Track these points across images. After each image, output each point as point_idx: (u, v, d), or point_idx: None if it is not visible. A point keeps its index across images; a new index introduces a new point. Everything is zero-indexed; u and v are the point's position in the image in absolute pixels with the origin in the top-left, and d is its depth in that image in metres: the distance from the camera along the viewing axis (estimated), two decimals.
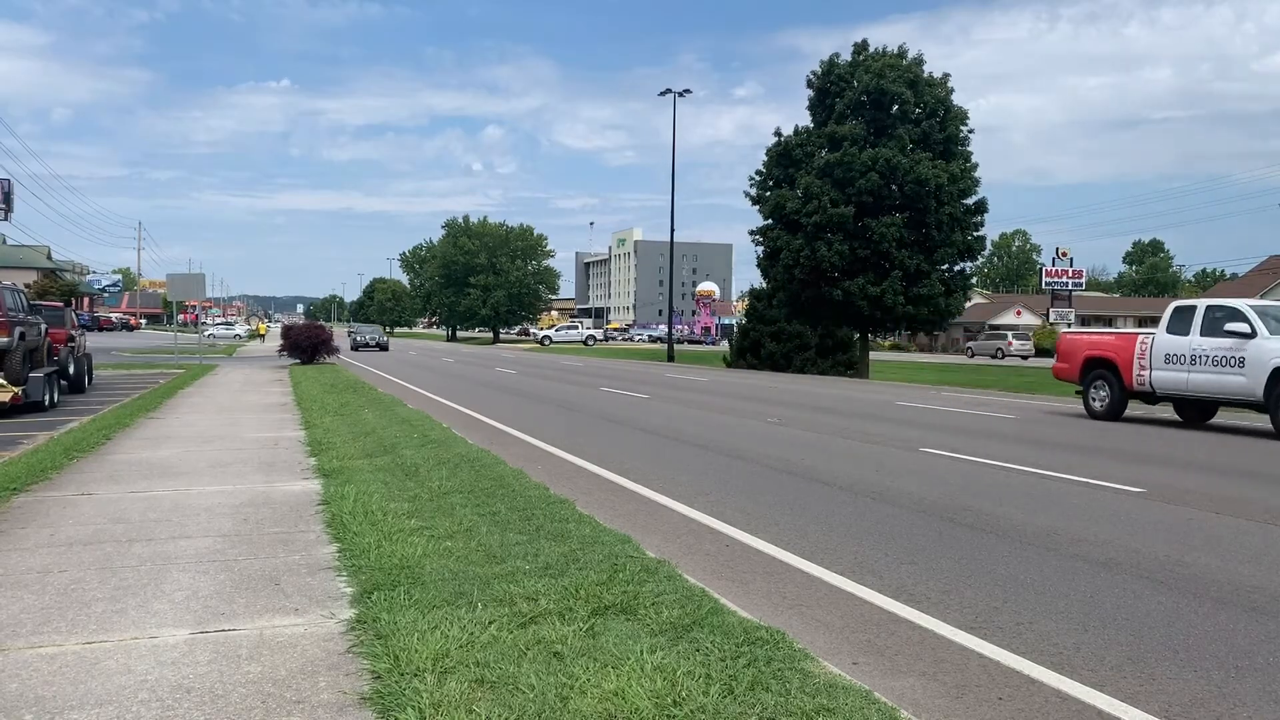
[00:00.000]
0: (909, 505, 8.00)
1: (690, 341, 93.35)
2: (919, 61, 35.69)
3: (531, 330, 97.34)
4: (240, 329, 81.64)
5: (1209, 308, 15.70)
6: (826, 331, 38.38)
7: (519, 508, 6.90)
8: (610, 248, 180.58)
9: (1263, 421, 15.33)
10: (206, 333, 65.54)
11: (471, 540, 5.87)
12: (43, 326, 16.91)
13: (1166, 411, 17.91)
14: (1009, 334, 69.17)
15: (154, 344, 50.45)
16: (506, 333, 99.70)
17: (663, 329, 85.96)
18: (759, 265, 38.63)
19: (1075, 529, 7.10)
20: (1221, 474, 10.18)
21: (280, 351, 33.73)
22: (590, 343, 79.17)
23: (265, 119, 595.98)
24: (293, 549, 5.84)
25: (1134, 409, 17.95)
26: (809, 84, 37.21)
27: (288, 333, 33.92)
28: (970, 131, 35.64)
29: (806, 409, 17.97)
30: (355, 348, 53.06)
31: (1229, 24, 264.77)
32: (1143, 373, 16.07)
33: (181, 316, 75.73)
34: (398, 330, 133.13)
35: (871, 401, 20.73)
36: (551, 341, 78.24)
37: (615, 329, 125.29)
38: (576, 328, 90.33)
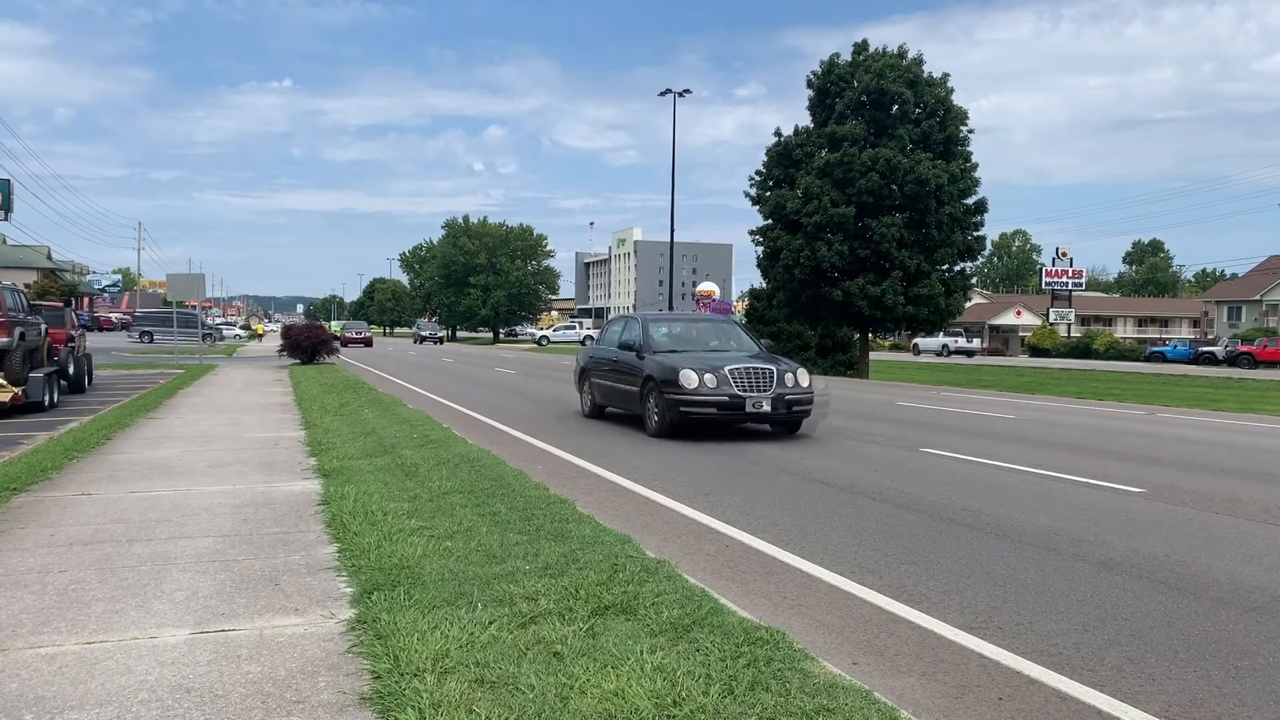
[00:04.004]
0: (909, 505, 8.00)
1: None
2: (919, 61, 35.68)
3: (531, 330, 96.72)
4: (240, 329, 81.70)
5: None
6: (826, 331, 38.39)
7: (519, 508, 6.90)
8: (610, 248, 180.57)
9: (1262, 419, 15.29)
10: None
11: (471, 540, 5.87)
12: (43, 326, 16.90)
13: (1167, 411, 17.87)
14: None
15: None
16: (514, 332, 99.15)
17: None
18: (759, 265, 38.61)
19: (1075, 529, 7.10)
20: (1221, 474, 10.18)
21: (280, 351, 33.71)
22: (588, 343, 79.11)
23: (267, 119, 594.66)
24: (293, 549, 5.84)
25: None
26: (809, 84, 37.20)
27: (288, 333, 33.90)
28: (970, 131, 35.63)
29: None
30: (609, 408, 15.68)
31: (1231, 24, 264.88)
32: None
33: None
34: (398, 330, 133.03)
35: (871, 401, 20.73)
36: (549, 341, 78.20)
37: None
38: (575, 328, 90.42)
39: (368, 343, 62.96)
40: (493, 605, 4.54)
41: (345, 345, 55.83)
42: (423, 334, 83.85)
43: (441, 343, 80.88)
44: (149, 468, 9.03)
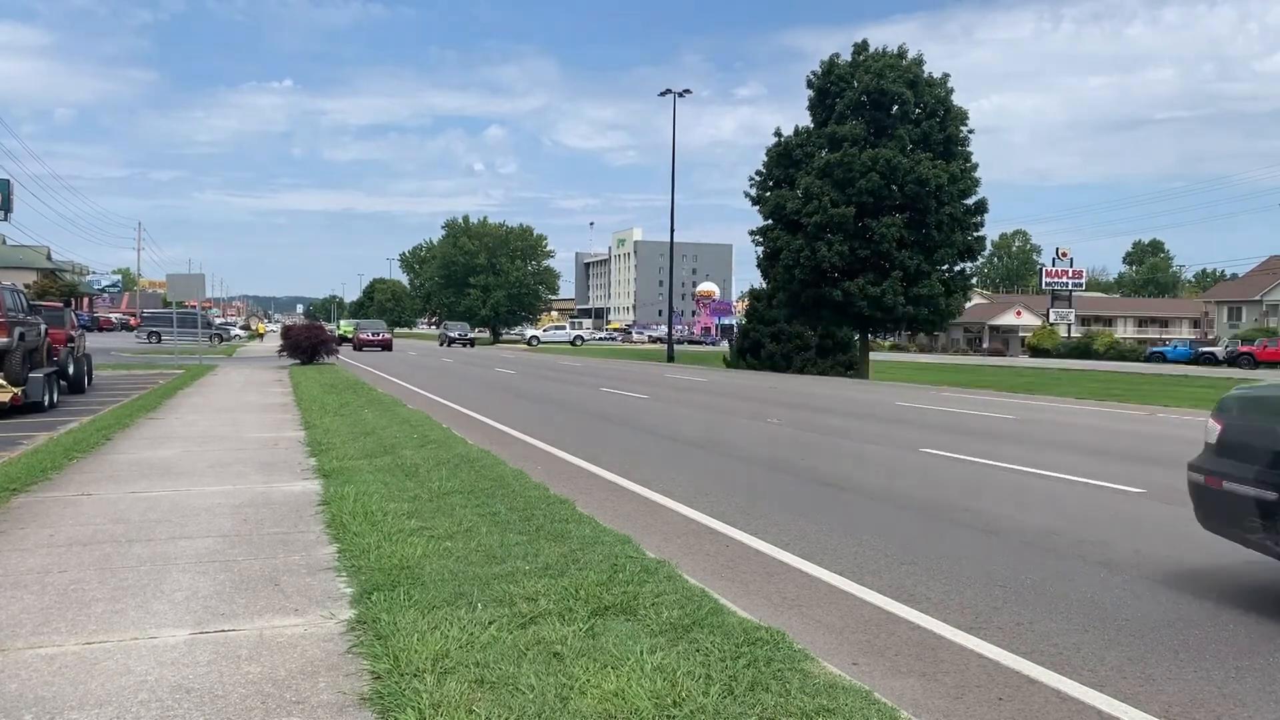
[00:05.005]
0: (909, 505, 8.00)
1: (691, 342, 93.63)
2: (919, 61, 35.70)
3: (523, 330, 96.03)
4: (240, 329, 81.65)
5: None
6: (826, 331, 38.39)
7: (519, 508, 6.90)
8: (610, 248, 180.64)
9: None
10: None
11: (471, 541, 5.87)
12: (43, 327, 16.90)
13: (1168, 412, 17.83)
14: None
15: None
16: (500, 333, 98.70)
17: (661, 329, 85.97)
18: (759, 265, 38.64)
19: (1075, 529, 7.10)
20: None
21: (280, 352, 33.70)
22: (578, 343, 79.23)
23: (267, 119, 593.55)
24: (292, 549, 5.83)
25: None
26: (809, 84, 37.22)
27: (288, 333, 33.87)
28: (970, 131, 35.66)
29: (806, 409, 17.96)
30: None
31: (1232, 24, 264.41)
32: None
33: None
34: (397, 330, 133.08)
35: (871, 402, 20.73)
36: (540, 342, 78.33)
37: (615, 329, 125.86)
38: (565, 328, 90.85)
39: (386, 345, 52.33)
40: (493, 605, 4.54)
41: (360, 349, 50.02)
42: (451, 335, 70.66)
43: (472, 344, 69.62)
44: (149, 468, 9.03)
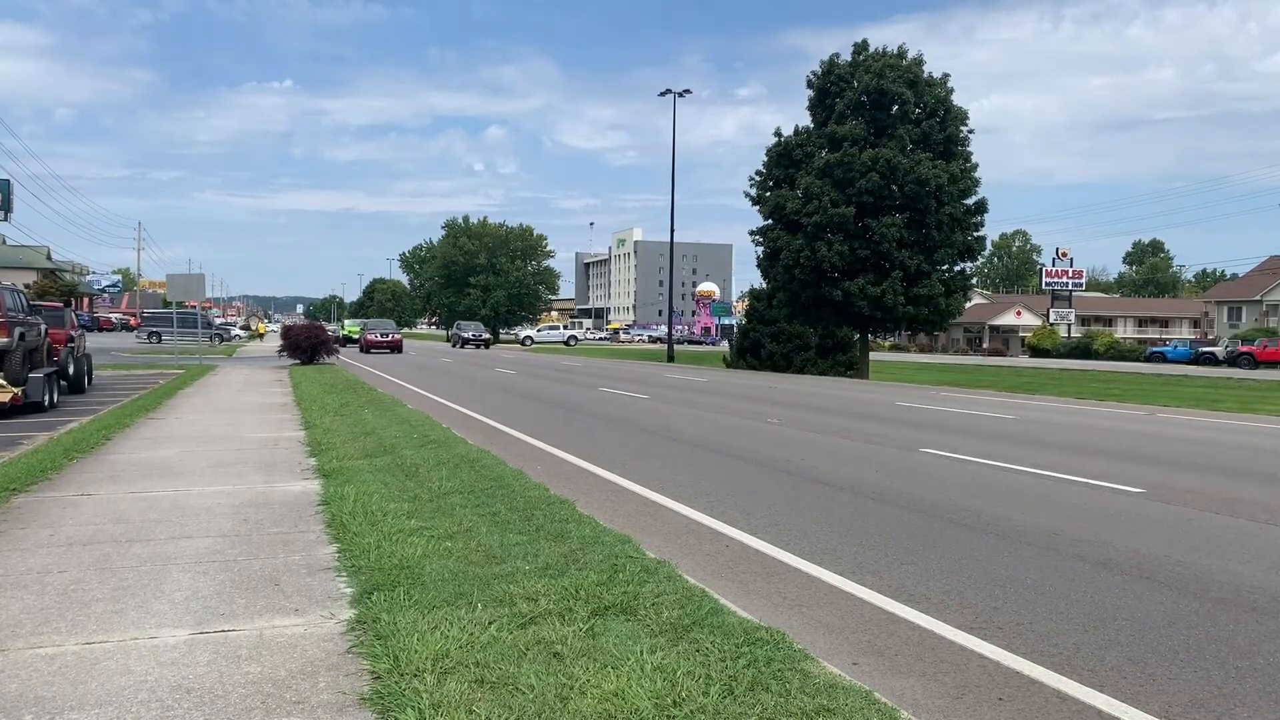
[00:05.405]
0: (909, 505, 8.00)
1: (691, 342, 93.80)
2: (919, 61, 35.67)
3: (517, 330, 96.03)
4: (240, 329, 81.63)
5: None
6: (826, 332, 38.39)
7: (519, 508, 6.90)
8: (610, 248, 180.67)
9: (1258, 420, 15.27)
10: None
11: (471, 541, 5.87)
12: (43, 327, 16.90)
13: (1167, 412, 17.82)
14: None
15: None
16: (506, 333, 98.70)
17: (661, 329, 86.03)
18: (759, 265, 38.61)
19: (1075, 529, 7.10)
20: (1221, 474, 10.18)
21: (280, 352, 33.70)
22: (572, 343, 79.49)
23: (268, 119, 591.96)
24: (293, 549, 5.84)
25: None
26: (809, 84, 37.19)
27: (288, 333, 33.87)
28: (970, 131, 35.63)
29: (806, 409, 17.97)
30: None
31: (1232, 24, 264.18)
32: None
33: None
34: None
35: (871, 402, 20.73)
36: (534, 342, 78.62)
37: (615, 329, 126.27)
38: (559, 328, 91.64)
39: (396, 347, 48.29)
40: (493, 605, 4.54)
41: (367, 350, 46.91)
42: (464, 335, 63.31)
43: (487, 345, 63.60)
44: (149, 468, 9.03)
